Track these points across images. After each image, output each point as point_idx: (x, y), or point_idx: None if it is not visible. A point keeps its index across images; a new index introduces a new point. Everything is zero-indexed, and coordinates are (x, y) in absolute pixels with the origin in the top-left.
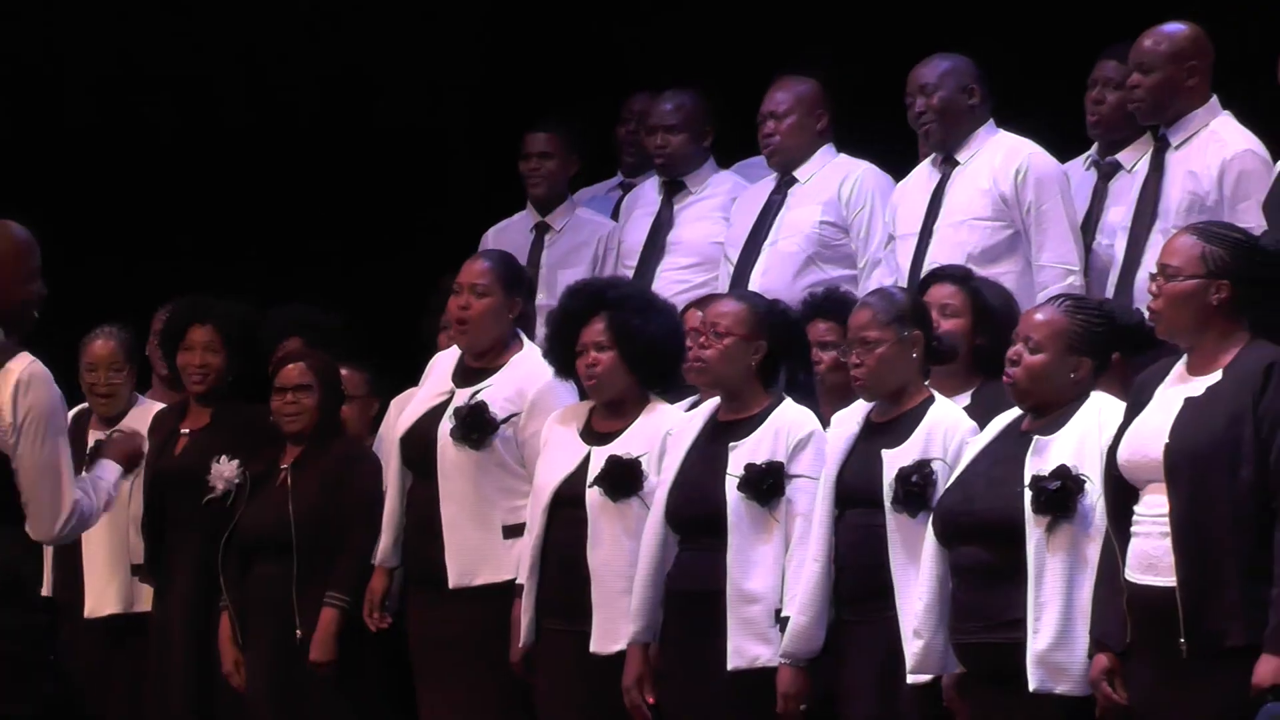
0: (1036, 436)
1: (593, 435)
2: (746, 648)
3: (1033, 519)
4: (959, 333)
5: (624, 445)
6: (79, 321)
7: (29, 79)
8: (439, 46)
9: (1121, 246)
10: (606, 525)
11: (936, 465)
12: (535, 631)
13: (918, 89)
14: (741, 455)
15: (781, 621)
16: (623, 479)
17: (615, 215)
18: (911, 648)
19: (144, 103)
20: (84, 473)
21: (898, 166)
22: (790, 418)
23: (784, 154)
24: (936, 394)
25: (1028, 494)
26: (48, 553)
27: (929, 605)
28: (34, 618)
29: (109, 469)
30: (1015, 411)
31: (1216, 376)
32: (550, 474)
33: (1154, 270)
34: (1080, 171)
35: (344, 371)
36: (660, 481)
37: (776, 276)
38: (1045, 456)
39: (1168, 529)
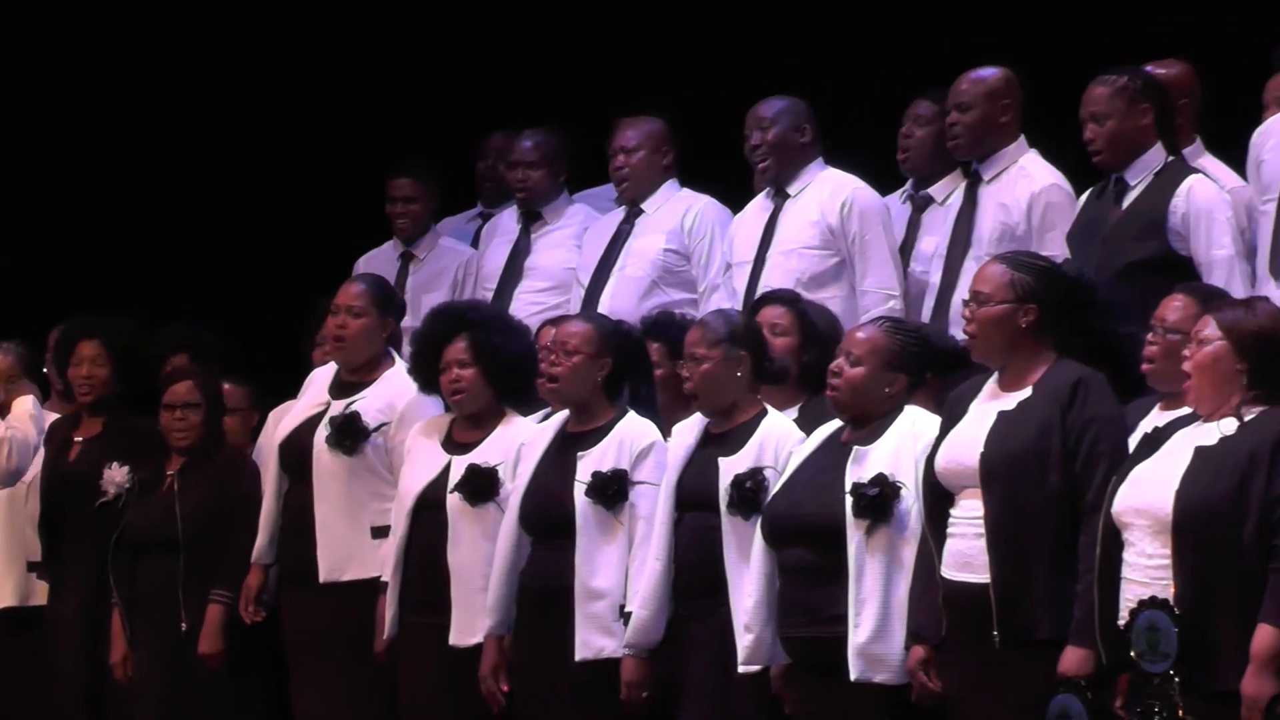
0: (856, 446)
1: (453, 445)
2: (593, 640)
3: (853, 523)
4: (787, 351)
5: (482, 454)
6: None
7: None
8: (318, 83)
9: (937, 273)
10: (465, 528)
11: (768, 472)
12: (399, 625)
13: (755, 124)
14: (589, 463)
15: (625, 616)
16: (481, 486)
17: (475, 242)
18: (743, 640)
19: (47, 121)
20: None
21: (737, 197)
22: (633, 429)
23: (634, 187)
24: (770, 407)
25: (848, 500)
26: None
27: (758, 601)
28: None
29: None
30: (836, 423)
31: (1027, 392)
32: (414, 480)
33: (967, 297)
34: (898, 204)
35: (226, 386)
36: (515, 488)
37: (624, 299)
38: (864, 465)
39: (982, 530)
